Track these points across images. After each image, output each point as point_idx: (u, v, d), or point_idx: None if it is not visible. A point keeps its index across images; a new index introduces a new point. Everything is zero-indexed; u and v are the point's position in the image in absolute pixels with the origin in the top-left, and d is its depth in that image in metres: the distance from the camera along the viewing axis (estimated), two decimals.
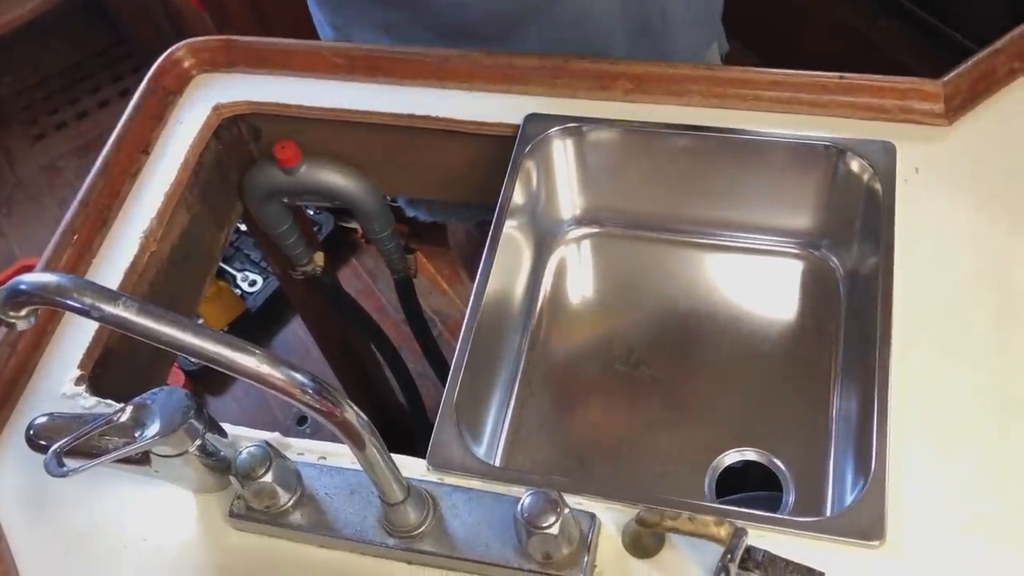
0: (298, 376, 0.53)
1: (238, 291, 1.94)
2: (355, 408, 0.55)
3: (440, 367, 1.44)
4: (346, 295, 1.30)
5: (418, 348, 1.78)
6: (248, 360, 0.52)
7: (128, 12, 2.24)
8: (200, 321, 1.94)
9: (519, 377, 0.90)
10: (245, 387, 1.92)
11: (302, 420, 1.89)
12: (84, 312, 0.50)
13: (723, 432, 0.86)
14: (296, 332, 1.97)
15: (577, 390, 0.91)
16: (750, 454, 0.84)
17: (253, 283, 1.94)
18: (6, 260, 2.07)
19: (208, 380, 1.89)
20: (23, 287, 0.52)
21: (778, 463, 0.83)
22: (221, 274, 1.94)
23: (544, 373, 0.91)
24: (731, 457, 0.84)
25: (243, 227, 1.99)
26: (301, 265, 1.18)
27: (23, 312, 0.53)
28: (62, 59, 2.48)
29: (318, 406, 0.54)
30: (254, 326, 1.93)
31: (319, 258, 1.19)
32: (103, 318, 0.50)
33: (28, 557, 0.71)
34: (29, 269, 1.96)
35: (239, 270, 1.96)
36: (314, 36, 1.52)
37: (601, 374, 0.91)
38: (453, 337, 1.85)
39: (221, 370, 0.52)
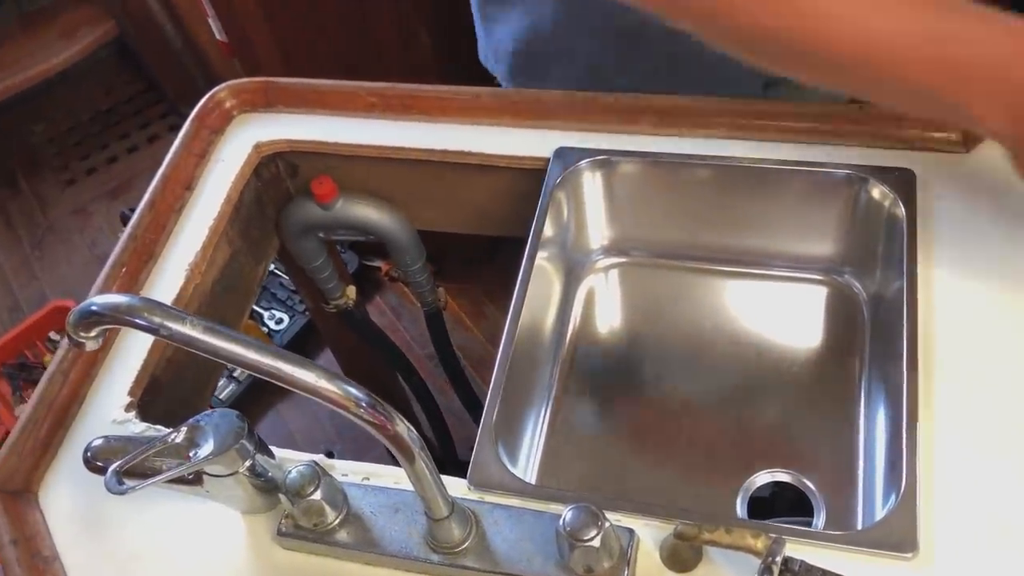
0: (353, 391, 0.56)
1: (265, 328, 1.97)
2: (406, 422, 0.58)
3: (468, 399, 1.46)
4: (377, 328, 1.33)
5: (442, 384, 1.81)
6: (307, 375, 0.55)
7: (158, 60, 2.31)
8: None
9: (551, 402, 0.93)
10: (272, 423, 1.95)
11: (328, 456, 1.91)
12: (153, 330, 0.53)
13: (753, 455, 0.87)
14: (326, 363, 1.99)
15: (608, 415, 0.93)
16: (780, 475, 0.85)
17: (280, 321, 1.97)
18: (38, 302, 2.11)
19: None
20: (94, 308, 0.55)
21: (808, 484, 0.84)
22: (249, 313, 1.97)
23: (575, 398, 0.93)
24: (762, 478, 0.85)
25: (271, 267, 2.04)
26: (334, 299, 1.21)
27: (93, 332, 0.56)
28: (93, 106, 2.55)
29: (371, 419, 0.56)
30: None
31: (351, 292, 1.23)
32: (171, 336, 0.53)
33: None
34: (62, 310, 2.01)
35: (266, 308, 1.99)
36: (341, 76, 1.58)
37: (631, 399, 0.93)
38: (478, 372, 1.88)
39: (279, 384, 0.55)
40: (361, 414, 0.56)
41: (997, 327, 0.76)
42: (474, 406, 1.47)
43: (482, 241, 1.92)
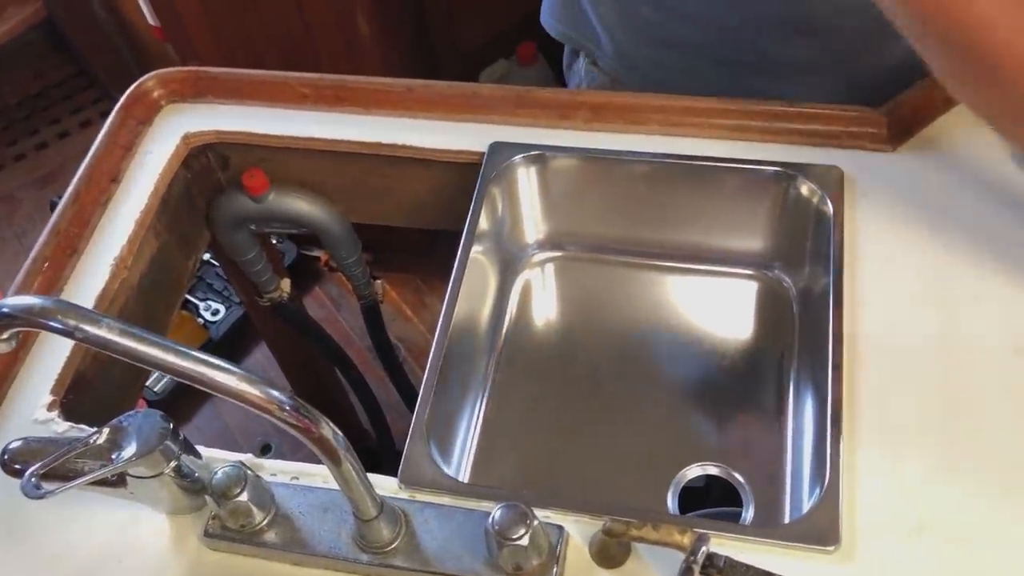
0: (275, 393, 0.55)
1: (201, 320, 1.94)
2: (331, 425, 0.57)
3: (406, 392, 1.46)
4: (312, 321, 1.32)
5: (382, 375, 1.80)
6: (227, 378, 0.54)
7: (89, 44, 2.25)
8: None
9: (486, 397, 0.93)
10: (208, 416, 1.92)
11: (265, 449, 1.89)
12: (67, 333, 0.52)
13: (685, 448, 0.88)
14: (259, 361, 1.97)
15: (542, 409, 0.93)
16: (711, 468, 0.86)
17: (216, 312, 1.94)
18: None
19: (172, 410, 1.88)
20: (6, 310, 0.53)
21: (738, 477, 0.86)
22: (184, 304, 1.94)
23: (510, 393, 0.93)
24: (693, 472, 0.86)
25: (206, 256, 2.00)
26: (268, 292, 1.19)
27: (5, 335, 0.54)
28: (21, 90, 2.48)
29: (295, 422, 0.56)
30: (217, 354, 1.90)
31: (285, 284, 1.21)
32: (86, 339, 0.52)
33: None
34: None
35: (202, 299, 1.96)
36: (277, 61, 1.55)
37: (565, 393, 0.93)
38: (417, 363, 1.87)
39: (200, 388, 0.54)
40: (285, 417, 0.55)
41: (921, 323, 0.77)
42: (413, 399, 1.45)
43: (422, 231, 1.91)
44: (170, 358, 0.53)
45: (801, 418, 0.85)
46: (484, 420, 0.91)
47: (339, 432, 0.58)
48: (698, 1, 0.93)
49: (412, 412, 0.78)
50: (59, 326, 0.52)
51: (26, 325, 0.53)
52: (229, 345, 1.94)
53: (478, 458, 0.89)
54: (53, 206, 2.05)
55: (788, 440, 0.86)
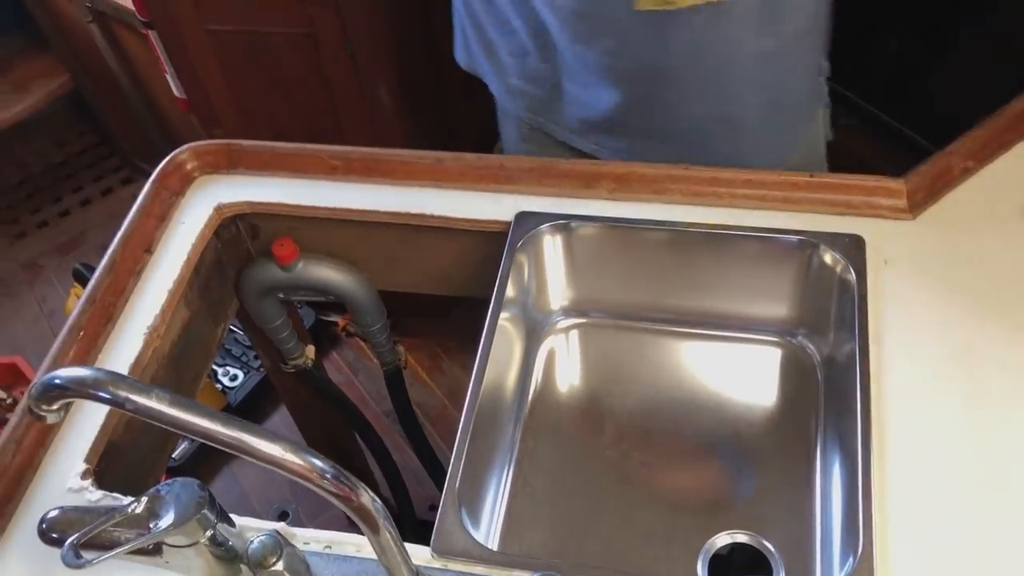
0: (318, 463, 0.56)
1: (220, 386, 1.95)
2: (371, 493, 0.58)
3: (426, 458, 1.45)
4: (335, 387, 1.33)
5: (399, 442, 1.80)
6: (272, 448, 0.55)
7: (114, 114, 2.30)
8: None
9: (513, 464, 0.93)
10: (226, 482, 1.91)
11: (282, 516, 1.88)
12: (118, 404, 0.53)
13: (712, 516, 0.88)
14: (277, 426, 1.97)
15: (569, 475, 0.93)
16: (740, 536, 0.86)
17: (235, 378, 1.95)
18: None
19: (190, 476, 1.88)
20: (58, 381, 0.54)
21: (767, 545, 0.86)
22: None
23: (537, 460, 0.94)
24: (722, 540, 0.86)
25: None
26: (293, 359, 1.20)
27: (55, 406, 0.55)
28: (45, 158, 2.53)
29: (336, 491, 0.56)
30: None
31: (310, 351, 1.22)
32: (136, 410, 0.53)
33: None
34: (9, 366, 1.96)
35: (221, 365, 1.97)
36: (300, 132, 1.58)
37: (592, 459, 0.94)
38: (434, 428, 1.87)
39: (244, 456, 0.55)
40: (326, 486, 0.56)
41: (948, 391, 0.78)
42: (432, 465, 1.46)
43: (439, 297, 1.93)
44: (217, 427, 0.54)
45: (829, 484, 0.85)
46: (512, 487, 0.92)
47: (378, 500, 0.58)
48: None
49: (432, 478, 0.78)
50: (110, 397, 0.53)
51: (77, 396, 0.54)
52: (247, 410, 1.95)
53: (507, 526, 0.89)
54: (77, 273, 2.08)
55: (817, 507, 0.86)
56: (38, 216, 2.42)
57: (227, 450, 0.55)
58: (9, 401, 1.95)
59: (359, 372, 2.02)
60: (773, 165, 0.96)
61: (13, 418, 0.84)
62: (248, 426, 0.55)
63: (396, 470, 1.48)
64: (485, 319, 0.88)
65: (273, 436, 0.55)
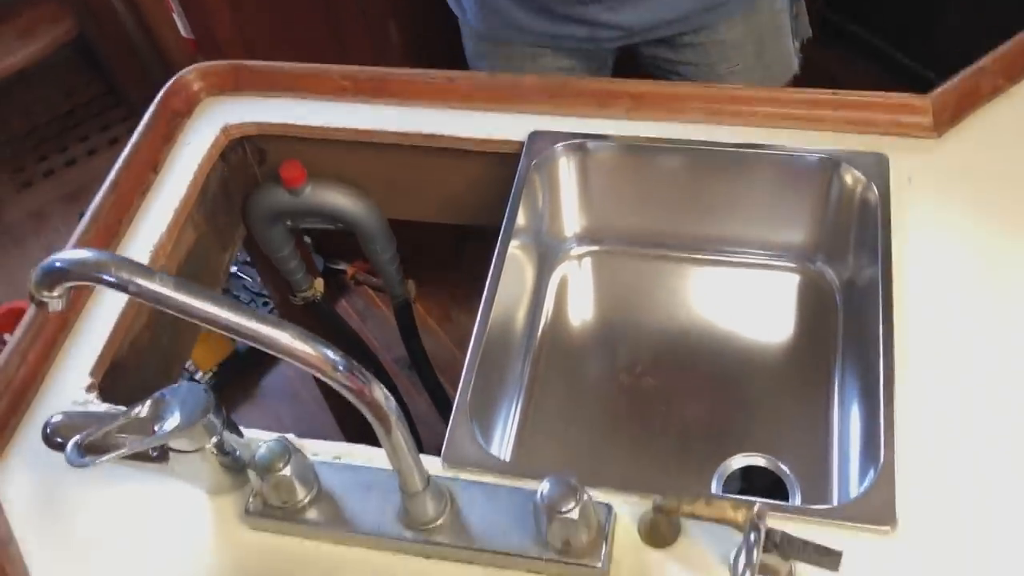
0: (330, 353, 0.54)
1: None
2: (384, 389, 0.56)
3: (434, 393, 1.44)
4: (345, 323, 1.32)
5: (409, 387, 1.78)
6: (283, 336, 0.53)
7: (120, 61, 2.26)
8: (188, 363, 1.94)
9: (525, 388, 0.91)
10: (241, 415, 1.91)
11: None
12: (121, 287, 0.51)
13: (727, 439, 0.87)
14: (284, 374, 1.96)
15: (581, 401, 0.92)
16: (755, 459, 0.85)
17: None
18: None
19: None
20: (59, 264, 0.52)
21: (783, 467, 0.84)
22: None
23: (549, 384, 0.92)
24: (737, 462, 0.85)
25: (234, 269, 2.00)
26: (301, 291, 1.19)
27: (56, 292, 0.54)
28: (52, 108, 2.50)
29: (349, 384, 0.55)
30: (243, 367, 1.92)
31: (319, 284, 1.21)
32: (140, 293, 0.51)
33: (40, 560, 0.70)
34: (16, 312, 1.95)
35: None
36: None
37: (605, 384, 0.92)
38: (445, 376, 1.85)
39: (255, 345, 0.53)
40: (338, 378, 0.54)
41: (969, 308, 0.76)
42: (442, 405, 1.45)
43: (450, 244, 1.91)
44: (224, 313, 0.52)
45: (847, 406, 0.83)
46: (523, 411, 0.90)
47: (391, 397, 0.57)
48: None
49: (443, 420, 0.77)
50: (113, 280, 0.51)
51: (79, 279, 0.52)
52: (255, 357, 1.94)
53: (518, 447, 0.87)
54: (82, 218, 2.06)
55: (834, 429, 0.84)
56: (44, 165, 2.40)
57: (237, 337, 0.53)
58: None
59: (368, 320, 2.00)
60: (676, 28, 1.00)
61: (17, 331, 0.82)
62: (258, 314, 0.54)
63: (405, 407, 1.46)
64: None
65: (285, 324, 0.53)
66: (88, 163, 2.39)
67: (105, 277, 0.51)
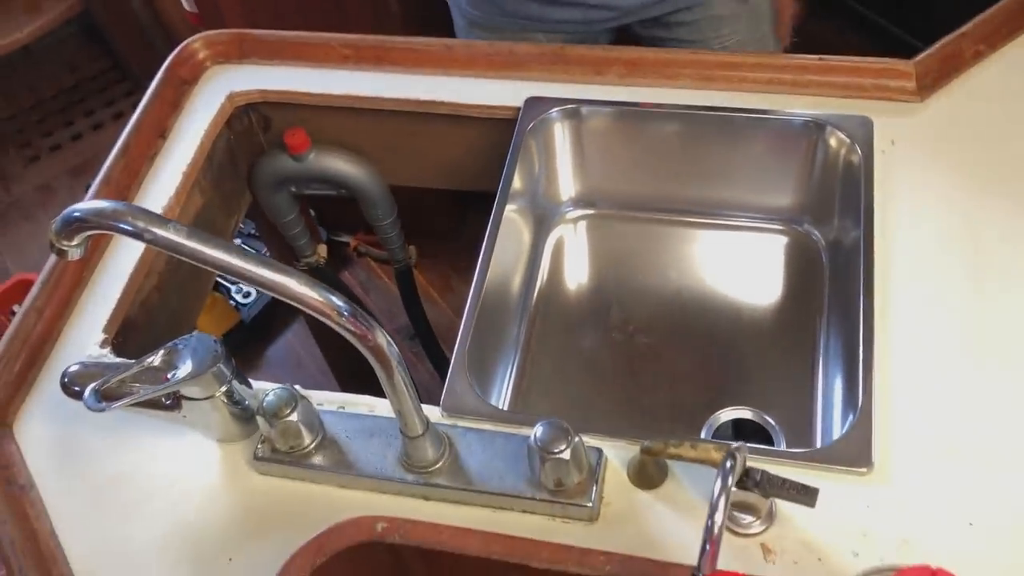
0: (334, 299, 0.57)
1: (233, 303, 1.97)
2: (386, 335, 0.60)
3: (436, 359, 1.48)
4: (347, 289, 1.34)
5: (411, 357, 1.82)
6: (288, 281, 0.56)
7: (124, 36, 2.29)
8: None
9: (521, 344, 0.95)
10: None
11: None
12: (137, 235, 0.54)
13: (716, 394, 0.90)
14: (289, 342, 2.00)
15: (576, 358, 0.95)
16: (743, 412, 0.88)
17: (247, 295, 1.97)
18: (1, 276, 2.09)
19: None
20: (77, 214, 0.56)
21: (769, 419, 0.87)
22: (216, 286, 1.97)
23: (544, 342, 0.96)
24: (725, 414, 0.88)
25: (236, 242, 2.03)
26: (305, 256, 1.22)
27: (76, 240, 0.57)
28: (57, 83, 2.53)
29: (352, 328, 0.58)
30: (248, 337, 1.95)
31: (322, 250, 1.24)
32: (155, 240, 0.54)
33: (58, 504, 0.74)
34: (26, 283, 1.98)
35: (233, 282, 1.99)
36: None
37: (599, 341, 0.95)
38: (446, 344, 1.89)
39: (262, 290, 0.56)
40: (343, 323, 0.58)
41: (948, 266, 0.79)
42: (443, 369, 1.48)
43: (451, 215, 1.94)
44: (235, 259, 0.55)
45: (832, 361, 0.87)
46: (519, 368, 0.94)
47: (393, 343, 0.60)
48: None
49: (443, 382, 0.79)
50: (129, 228, 0.54)
51: (97, 228, 0.55)
52: (260, 327, 1.97)
53: (514, 401, 0.91)
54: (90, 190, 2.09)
55: (819, 382, 0.88)
56: (50, 139, 2.43)
57: (245, 283, 0.57)
58: None
59: (371, 291, 2.04)
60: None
61: (33, 289, 0.86)
62: (267, 260, 0.57)
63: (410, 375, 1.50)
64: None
65: (292, 271, 0.57)
66: (94, 137, 2.42)
67: (122, 225, 0.55)
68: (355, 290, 2.04)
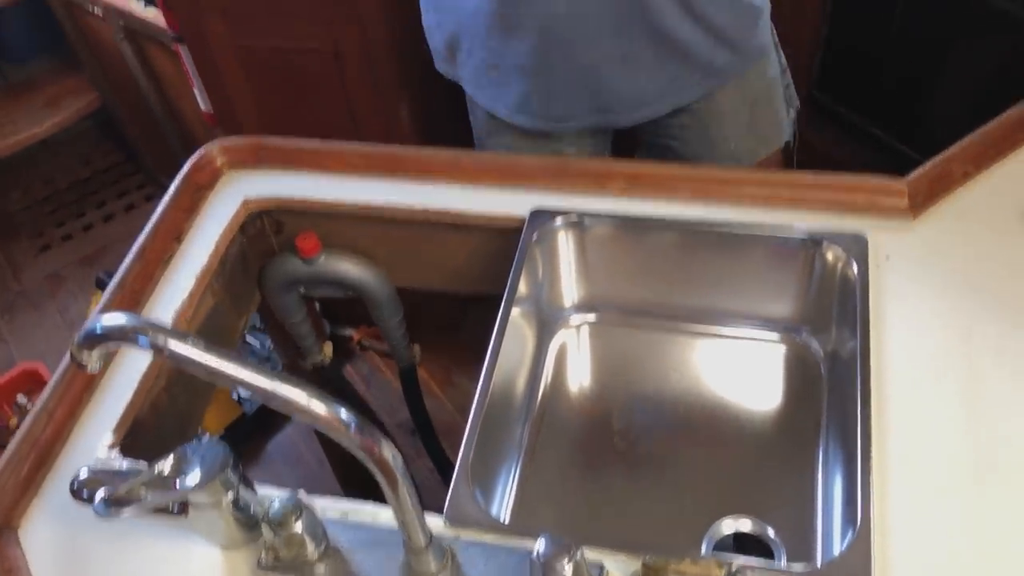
0: (342, 412, 0.59)
1: (235, 396, 1.98)
2: (392, 447, 0.61)
3: (436, 457, 1.48)
4: (351, 387, 1.36)
5: (411, 452, 1.82)
6: (299, 395, 0.58)
7: (139, 131, 2.36)
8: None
9: (523, 451, 0.96)
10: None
11: None
12: (157, 349, 0.56)
13: (717, 504, 0.91)
14: (290, 436, 2.00)
15: (578, 465, 0.96)
16: (744, 521, 0.88)
17: None
18: (6, 365, 2.11)
19: None
20: (99, 329, 0.58)
21: (769, 531, 0.88)
22: None
23: (547, 448, 0.96)
24: (726, 524, 0.88)
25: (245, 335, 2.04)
26: (311, 355, 1.24)
27: (96, 354, 0.59)
28: (72, 174, 2.59)
29: (359, 442, 0.59)
30: (250, 429, 1.96)
31: (328, 349, 1.26)
32: (173, 356, 0.56)
33: None
34: (31, 373, 2.00)
35: None
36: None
37: (600, 449, 0.96)
38: (446, 440, 1.89)
39: (273, 405, 0.58)
40: (349, 435, 0.59)
41: (944, 379, 0.80)
42: (444, 470, 1.48)
43: (452, 309, 1.96)
44: (247, 375, 0.57)
45: (831, 472, 0.88)
46: (522, 473, 0.94)
47: (399, 455, 0.61)
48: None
49: (444, 484, 0.80)
50: (149, 342, 0.56)
51: (118, 341, 0.57)
52: (262, 420, 1.98)
53: (517, 508, 0.91)
54: (99, 281, 2.13)
55: (818, 493, 0.88)
56: (62, 230, 2.48)
57: (257, 398, 0.58)
58: (30, 406, 1.99)
59: (373, 385, 2.05)
60: (674, 104, 1.12)
61: (44, 391, 0.87)
62: (277, 374, 0.59)
63: (410, 474, 1.50)
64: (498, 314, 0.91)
65: (300, 384, 0.58)
66: (104, 228, 2.47)
67: (142, 340, 0.57)
68: (357, 384, 2.05)
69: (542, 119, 1.18)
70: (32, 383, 2.00)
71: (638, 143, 1.28)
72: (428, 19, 1.25)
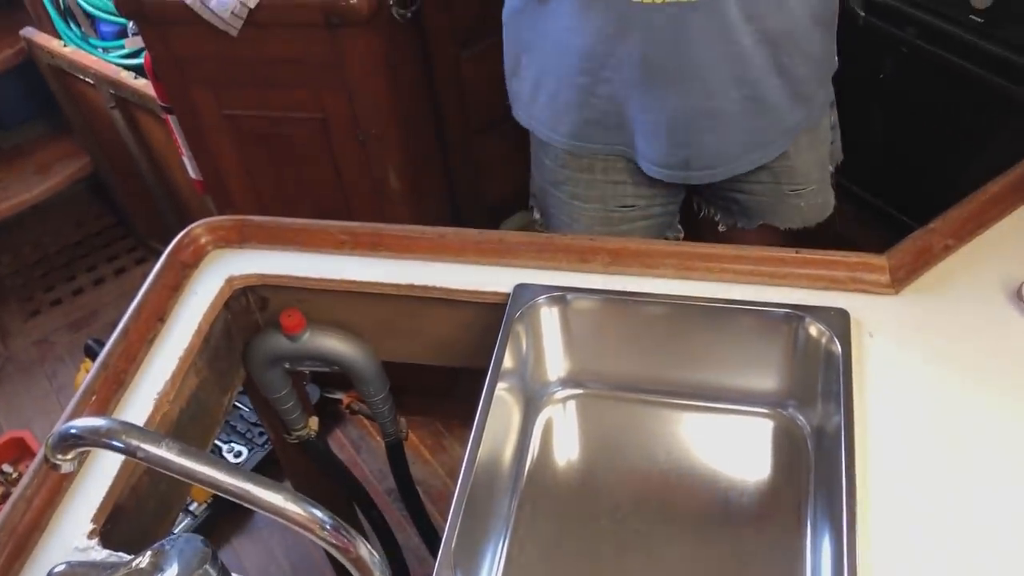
0: (317, 513, 0.58)
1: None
2: (368, 546, 0.60)
3: (427, 533, 1.46)
4: (337, 460, 1.35)
5: (400, 519, 1.80)
6: (275, 497, 0.57)
7: (130, 195, 2.37)
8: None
9: (509, 531, 0.95)
10: (227, 556, 1.90)
11: None
12: (130, 453, 0.56)
13: None
14: None
15: (565, 543, 0.95)
16: None
17: (239, 454, 1.97)
18: None
19: None
20: (73, 431, 0.57)
21: None
22: None
23: (533, 527, 0.95)
24: None
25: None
26: (296, 429, 1.23)
27: (70, 455, 0.58)
28: (62, 238, 2.60)
29: (335, 542, 0.59)
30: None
31: (313, 423, 1.25)
32: (147, 458, 0.56)
33: None
34: (16, 442, 1.98)
35: (225, 441, 1.99)
36: (310, 215, 1.64)
37: (587, 528, 0.95)
38: (436, 506, 1.87)
39: (249, 506, 0.57)
40: (325, 536, 0.58)
41: (927, 454, 0.80)
42: (432, 540, 1.47)
43: (441, 374, 1.95)
44: (223, 476, 0.56)
45: (819, 551, 0.87)
46: (508, 554, 0.93)
47: (375, 553, 0.61)
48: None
49: (433, 555, 0.80)
50: (123, 446, 0.56)
51: (92, 445, 0.57)
52: None
53: None
54: (88, 349, 2.12)
55: (807, 569, 0.87)
56: (52, 294, 2.48)
57: (233, 499, 0.58)
58: (15, 475, 1.97)
59: (362, 450, 2.03)
60: (757, 162, 1.11)
61: (24, 478, 0.86)
62: (252, 476, 0.58)
63: (397, 547, 1.48)
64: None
65: (276, 486, 0.58)
66: (95, 292, 2.47)
67: (115, 443, 0.56)
68: (348, 450, 2.04)
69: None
70: (19, 452, 1.98)
71: (701, 194, 1.30)
72: (510, 60, 1.24)
